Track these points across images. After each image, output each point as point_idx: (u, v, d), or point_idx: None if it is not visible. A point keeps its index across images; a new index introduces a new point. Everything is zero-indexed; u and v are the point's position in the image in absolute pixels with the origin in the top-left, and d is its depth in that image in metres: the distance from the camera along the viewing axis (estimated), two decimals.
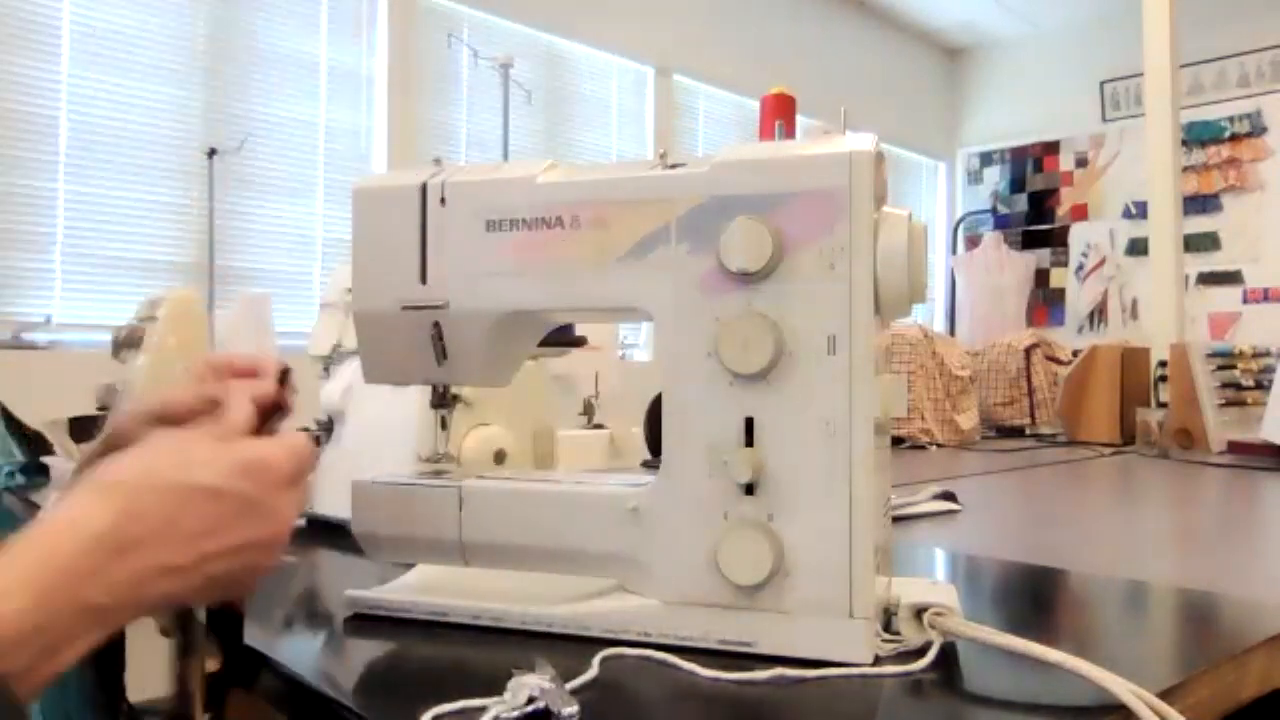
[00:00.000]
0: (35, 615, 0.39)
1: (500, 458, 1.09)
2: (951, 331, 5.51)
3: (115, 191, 2.97)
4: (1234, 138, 5.10)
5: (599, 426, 1.64)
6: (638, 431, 1.57)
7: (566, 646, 0.60)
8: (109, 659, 0.44)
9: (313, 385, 1.27)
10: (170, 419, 0.54)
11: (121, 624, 0.44)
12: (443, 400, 0.72)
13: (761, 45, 4.93)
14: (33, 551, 0.41)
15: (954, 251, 5.99)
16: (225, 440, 0.50)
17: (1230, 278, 5.08)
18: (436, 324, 0.68)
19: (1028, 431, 2.52)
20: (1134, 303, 5.43)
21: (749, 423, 0.59)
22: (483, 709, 0.48)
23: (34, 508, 1.13)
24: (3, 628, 0.38)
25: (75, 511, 0.43)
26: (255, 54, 3.31)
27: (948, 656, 0.57)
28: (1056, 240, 5.79)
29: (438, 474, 0.70)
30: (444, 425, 0.72)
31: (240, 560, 0.47)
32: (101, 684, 0.58)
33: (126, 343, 1.37)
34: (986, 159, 6.15)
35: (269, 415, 0.55)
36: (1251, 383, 2.06)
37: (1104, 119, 5.58)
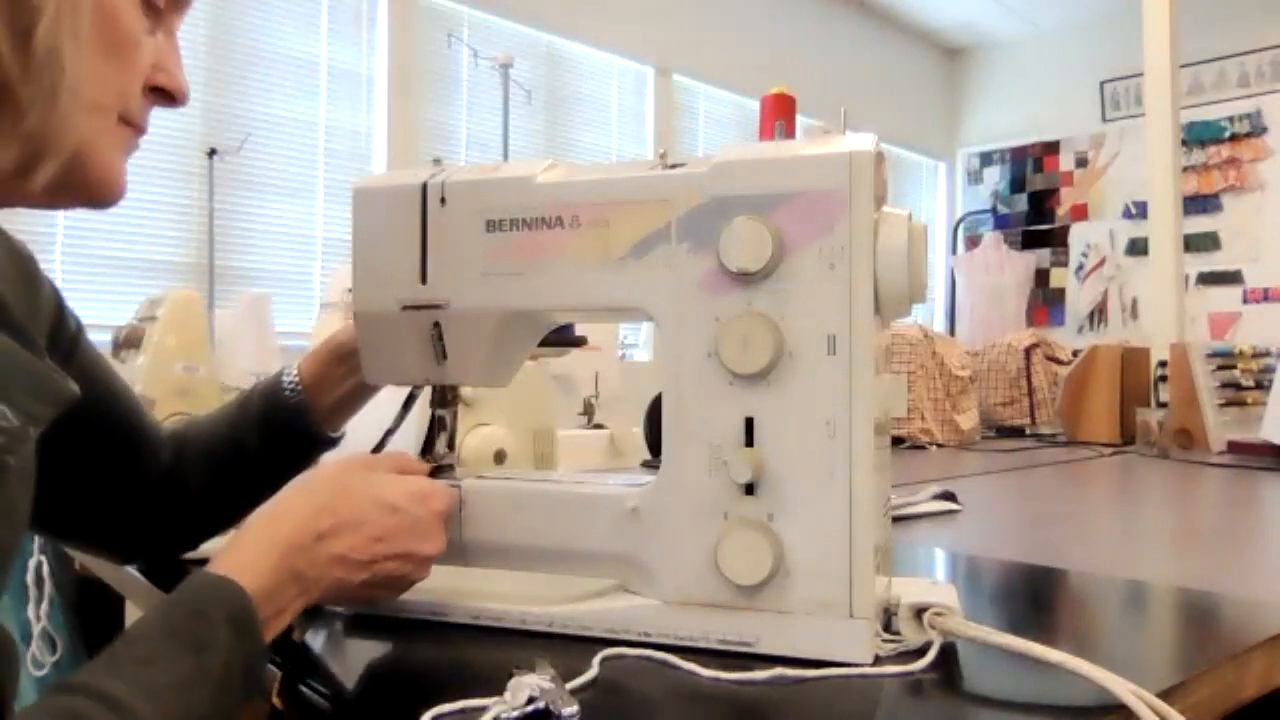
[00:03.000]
0: (272, 578, 0.52)
1: (500, 458, 1.09)
2: (951, 331, 5.51)
3: None
4: (1234, 138, 5.10)
5: (599, 426, 1.64)
6: (638, 431, 1.57)
7: (566, 646, 0.60)
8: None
9: None
10: None
11: (314, 599, 0.56)
12: (443, 400, 0.72)
13: (761, 45, 4.93)
14: (259, 533, 0.54)
15: (954, 251, 5.99)
16: (403, 471, 0.64)
17: (1230, 278, 5.08)
18: (436, 324, 0.68)
19: (1028, 431, 2.52)
20: (1134, 303, 5.43)
21: (749, 423, 0.59)
22: (483, 709, 0.48)
23: None
24: (256, 585, 0.50)
25: (286, 505, 0.57)
26: (255, 54, 3.31)
27: (948, 656, 0.57)
28: (1056, 240, 5.79)
29: (438, 473, 0.70)
30: (444, 426, 0.72)
31: (399, 567, 0.59)
32: None
33: (126, 343, 1.37)
34: (986, 159, 6.15)
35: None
36: (1251, 383, 2.06)
37: (1104, 119, 5.58)
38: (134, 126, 0.53)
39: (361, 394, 0.77)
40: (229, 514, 0.75)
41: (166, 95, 0.55)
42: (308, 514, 0.56)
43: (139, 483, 0.71)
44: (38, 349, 0.53)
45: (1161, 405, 2.16)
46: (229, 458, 0.74)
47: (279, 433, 0.74)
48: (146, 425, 0.73)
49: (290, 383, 0.75)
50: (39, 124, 0.45)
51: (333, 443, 0.77)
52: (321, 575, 0.55)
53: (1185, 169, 4.90)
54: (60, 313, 0.66)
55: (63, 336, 0.66)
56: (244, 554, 0.53)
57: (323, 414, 0.75)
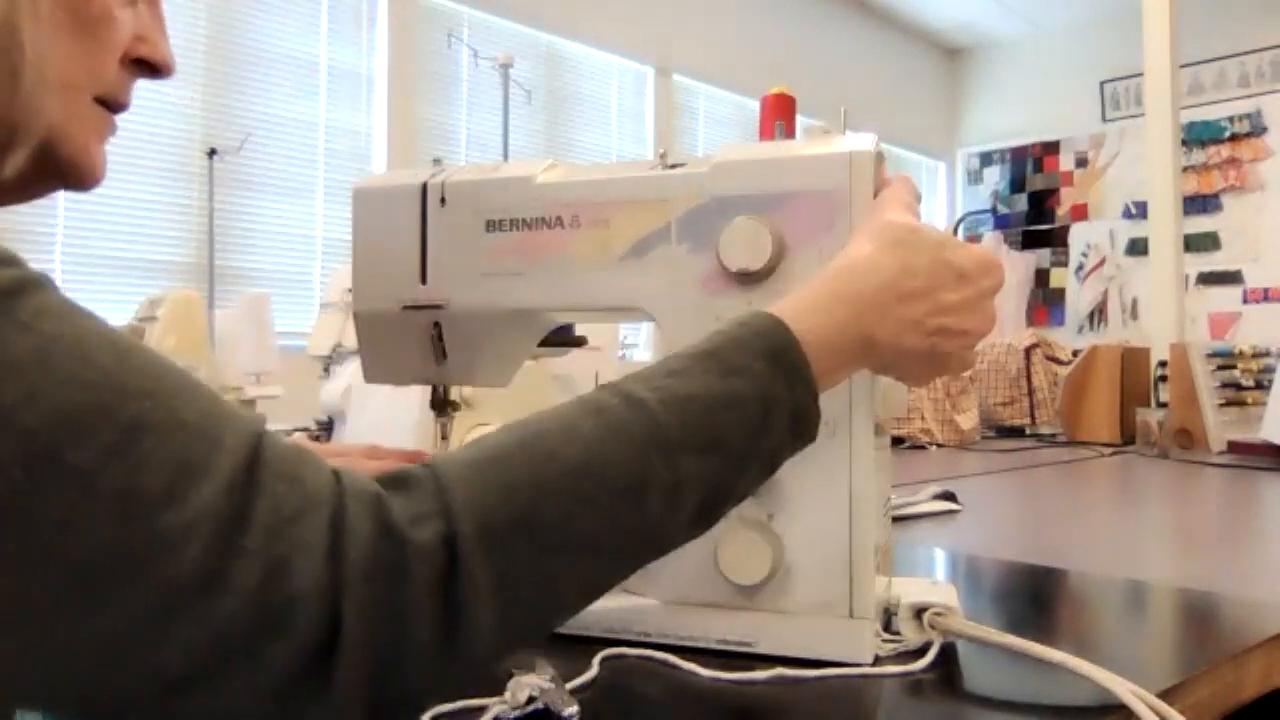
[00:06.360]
0: (837, 331, 0.48)
1: None
2: None
3: (115, 191, 2.96)
4: (1234, 138, 5.10)
5: None
6: None
7: (566, 646, 0.60)
8: None
9: (313, 385, 1.28)
10: None
11: (870, 364, 0.53)
12: (443, 407, 0.72)
13: (761, 45, 4.93)
14: (834, 283, 0.50)
15: None
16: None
17: (1230, 278, 5.08)
18: (436, 324, 0.68)
19: (1028, 431, 2.52)
20: (1134, 303, 5.43)
21: None
22: (483, 709, 0.48)
23: None
24: (817, 334, 0.47)
25: (871, 259, 0.51)
26: (255, 54, 3.31)
27: (948, 656, 0.57)
28: (1056, 240, 5.79)
29: None
30: (443, 435, 0.72)
31: (949, 343, 0.52)
32: None
33: None
34: (986, 159, 6.15)
35: None
36: (1251, 383, 2.06)
37: (1104, 119, 5.58)
38: (111, 106, 0.50)
39: None
40: None
41: (150, 68, 0.52)
42: (894, 271, 0.51)
43: None
44: None
45: (1161, 405, 2.16)
46: None
47: None
48: None
49: None
50: (2, 109, 0.42)
51: None
52: (893, 340, 0.50)
53: (1185, 169, 4.90)
54: None
55: None
56: (812, 300, 0.49)
57: None
